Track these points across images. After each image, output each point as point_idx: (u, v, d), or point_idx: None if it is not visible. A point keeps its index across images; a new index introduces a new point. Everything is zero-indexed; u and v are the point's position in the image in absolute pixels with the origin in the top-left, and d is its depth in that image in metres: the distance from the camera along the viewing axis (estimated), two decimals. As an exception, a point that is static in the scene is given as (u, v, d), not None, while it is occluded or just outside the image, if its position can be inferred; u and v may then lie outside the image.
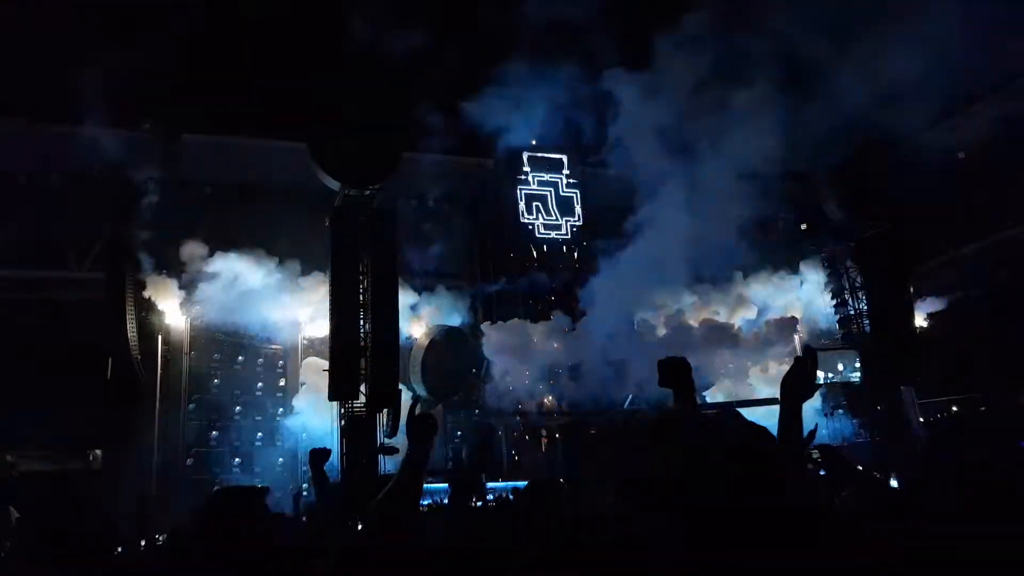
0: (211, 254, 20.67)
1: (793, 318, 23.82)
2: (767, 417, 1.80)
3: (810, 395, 2.26)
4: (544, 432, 22.24)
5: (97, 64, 18.62)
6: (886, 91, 18.09)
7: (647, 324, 21.67)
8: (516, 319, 21.74)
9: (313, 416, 21.33)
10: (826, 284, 22.84)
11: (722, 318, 23.42)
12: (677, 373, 2.33)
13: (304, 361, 21.75)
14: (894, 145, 22.04)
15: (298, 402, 21.99)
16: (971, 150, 22.67)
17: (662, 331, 21.49)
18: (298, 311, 21.60)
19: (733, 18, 19.65)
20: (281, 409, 22.38)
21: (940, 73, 16.73)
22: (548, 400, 21.84)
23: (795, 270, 25.63)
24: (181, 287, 20.19)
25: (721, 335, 22.19)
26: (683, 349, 20.49)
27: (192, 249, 20.63)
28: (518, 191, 24.01)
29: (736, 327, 23.25)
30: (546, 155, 24.46)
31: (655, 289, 21.40)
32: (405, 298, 20.66)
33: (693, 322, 22.31)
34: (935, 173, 23.14)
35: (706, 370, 23.21)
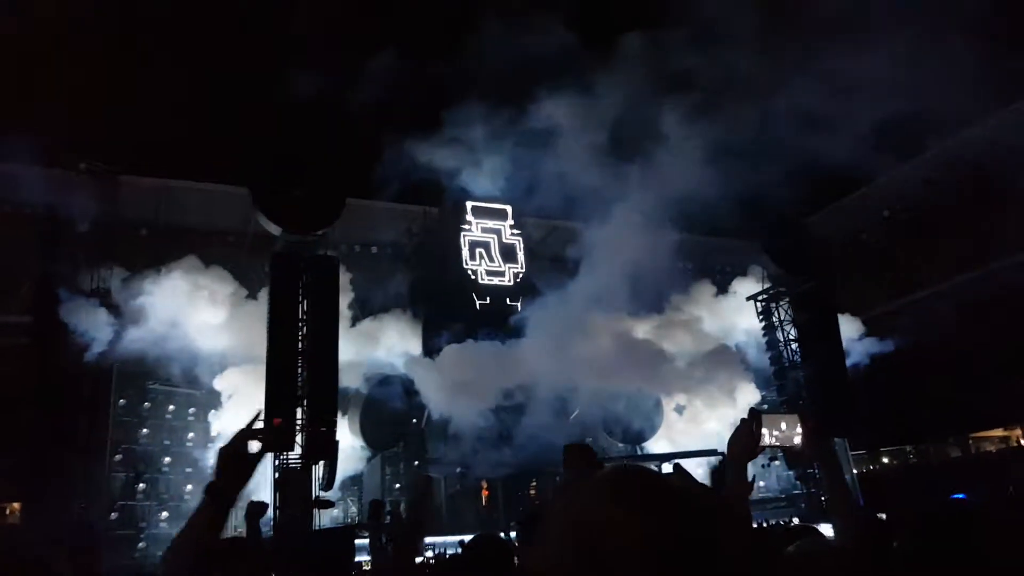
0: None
1: (731, 350, 24.00)
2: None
3: (754, 456, 2.46)
4: (485, 484, 21.89)
5: (34, 102, 18.30)
6: (817, 151, 18.89)
7: (586, 349, 21.53)
8: (448, 346, 21.42)
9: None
10: (762, 334, 23.31)
11: (662, 346, 23.46)
12: (581, 458, 2.38)
13: (223, 373, 20.83)
14: (824, 203, 23.00)
15: (219, 423, 20.98)
16: (896, 208, 23.71)
17: (600, 355, 21.28)
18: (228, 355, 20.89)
19: (669, 80, 20.39)
20: (213, 460, 21.59)
21: (868, 133, 17.58)
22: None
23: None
24: (112, 326, 19.45)
25: (655, 365, 22.23)
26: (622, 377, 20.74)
27: (123, 280, 20.03)
28: (461, 237, 24.13)
29: (672, 357, 23.39)
30: (490, 205, 24.71)
31: (593, 317, 21.42)
32: (344, 345, 20.28)
33: (628, 349, 22.16)
34: (863, 229, 24.15)
35: (643, 410, 23.47)
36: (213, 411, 21.50)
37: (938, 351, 20.67)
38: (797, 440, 2.76)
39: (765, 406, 23.59)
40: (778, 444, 2.74)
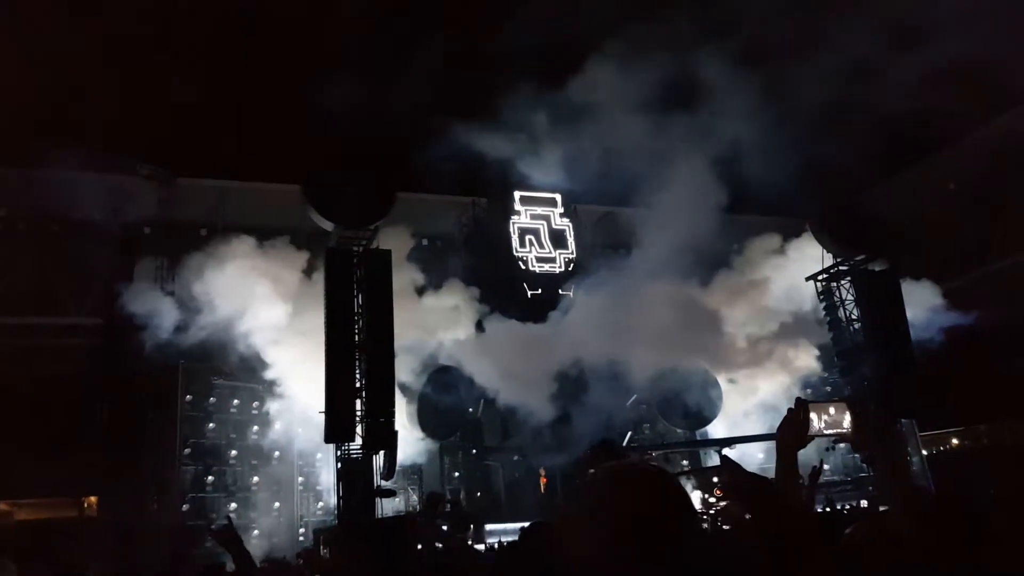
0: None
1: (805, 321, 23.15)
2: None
3: (803, 445, 2.40)
4: (543, 472, 21.92)
5: (93, 108, 18.90)
6: (878, 122, 18.26)
7: (640, 321, 21.19)
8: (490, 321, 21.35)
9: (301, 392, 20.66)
10: (823, 316, 22.64)
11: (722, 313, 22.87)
12: (606, 458, 2.37)
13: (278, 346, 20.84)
14: (886, 177, 22.22)
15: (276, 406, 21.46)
16: (963, 181, 22.79)
17: (655, 326, 20.92)
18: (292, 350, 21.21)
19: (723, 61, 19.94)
20: (277, 453, 22.20)
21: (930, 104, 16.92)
22: None
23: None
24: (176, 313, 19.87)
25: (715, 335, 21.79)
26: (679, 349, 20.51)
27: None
28: (511, 224, 24.19)
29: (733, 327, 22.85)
30: (538, 194, 24.69)
31: (647, 287, 21.18)
32: (400, 338, 20.48)
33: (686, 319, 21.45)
34: (929, 203, 23.30)
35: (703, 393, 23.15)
36: (272, 400, 21.98)
37: (1011, 327, 19.79)
38: (846, 426, 2.75)
39: (828, 389, 23.06)
40: (828, 432, 2.73)
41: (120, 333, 19.72)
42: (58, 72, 19.27)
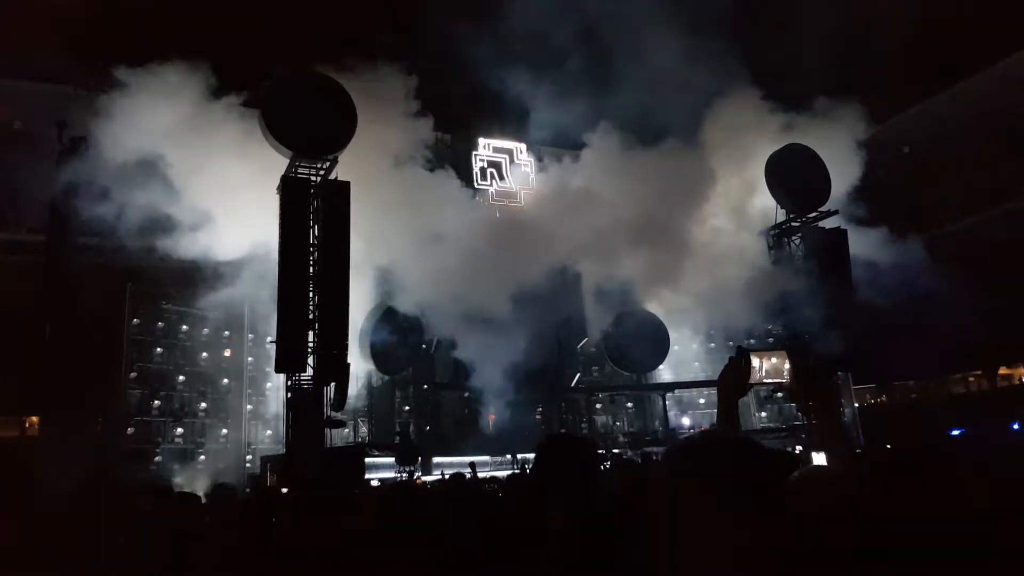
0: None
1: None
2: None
3: (744, 393, 2.43)
4: (492, 409, 22.34)
5: (40, 17, 17.88)
6: (836, 83, 18.48)
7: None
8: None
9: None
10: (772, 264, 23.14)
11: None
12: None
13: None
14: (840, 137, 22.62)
15: None
16: (917, 145, 23.29)
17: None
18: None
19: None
20: (226, 380, 22.10)
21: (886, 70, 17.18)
22: None
23: None
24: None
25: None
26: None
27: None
28: (473, 156, 23.98)
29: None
30: (501, 143, 24.50)
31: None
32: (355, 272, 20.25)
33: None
34: (882, 164, 23.77)
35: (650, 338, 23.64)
36: (226, 332, 21.75)
37: (952, 290, 20.52)
38: (786, 375, 2.73)
39: (771, 340, 23.76)
40: (768, 380, 2.71)
41: (64, 250, 19.09)
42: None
